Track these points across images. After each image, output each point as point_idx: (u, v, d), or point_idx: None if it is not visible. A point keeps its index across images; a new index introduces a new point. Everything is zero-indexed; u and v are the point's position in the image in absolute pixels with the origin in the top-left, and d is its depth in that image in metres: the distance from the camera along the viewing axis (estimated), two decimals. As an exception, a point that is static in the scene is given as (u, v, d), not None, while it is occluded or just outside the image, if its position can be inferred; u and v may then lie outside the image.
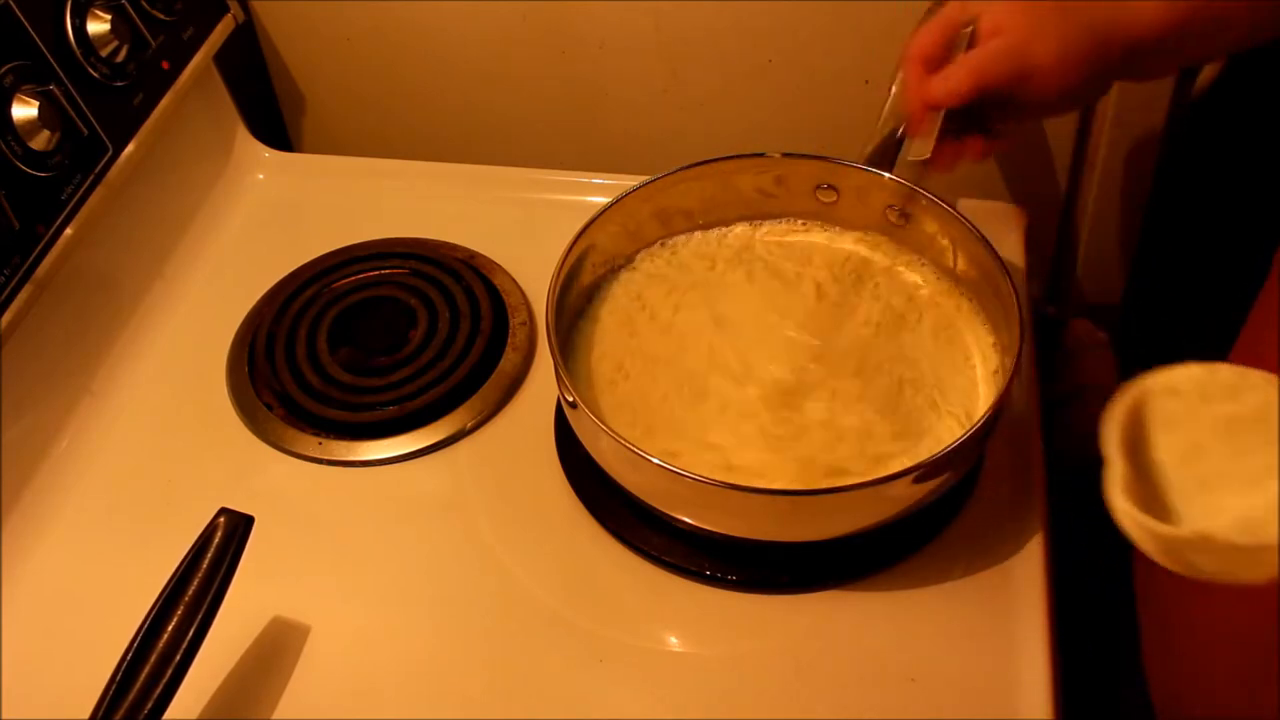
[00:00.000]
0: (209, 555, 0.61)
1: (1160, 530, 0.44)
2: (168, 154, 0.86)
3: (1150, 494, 0.46)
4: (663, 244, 0.80)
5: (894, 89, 0.74)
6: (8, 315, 0.69)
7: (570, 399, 0.66)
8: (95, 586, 0.71)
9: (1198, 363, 0.47)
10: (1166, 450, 0.46)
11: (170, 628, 0.59)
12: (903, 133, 0.72)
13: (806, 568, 0.67)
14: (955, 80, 0.66)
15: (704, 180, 0.77)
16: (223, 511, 0.63)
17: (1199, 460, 0.46)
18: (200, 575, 0.60)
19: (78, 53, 0.75)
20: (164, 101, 0.82)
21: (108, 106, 0.77)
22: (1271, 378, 0.46)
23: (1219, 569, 0.44)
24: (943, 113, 0.68)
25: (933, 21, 0.69)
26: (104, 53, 0.76)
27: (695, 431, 0.70)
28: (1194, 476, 0.46)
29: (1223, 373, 0.46)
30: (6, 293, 0.69)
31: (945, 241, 0.75)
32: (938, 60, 0.68)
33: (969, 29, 0.68)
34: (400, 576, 0.70)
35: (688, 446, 0.69)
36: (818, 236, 0.80)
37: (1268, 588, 0.44)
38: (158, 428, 0.79)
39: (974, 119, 0.69)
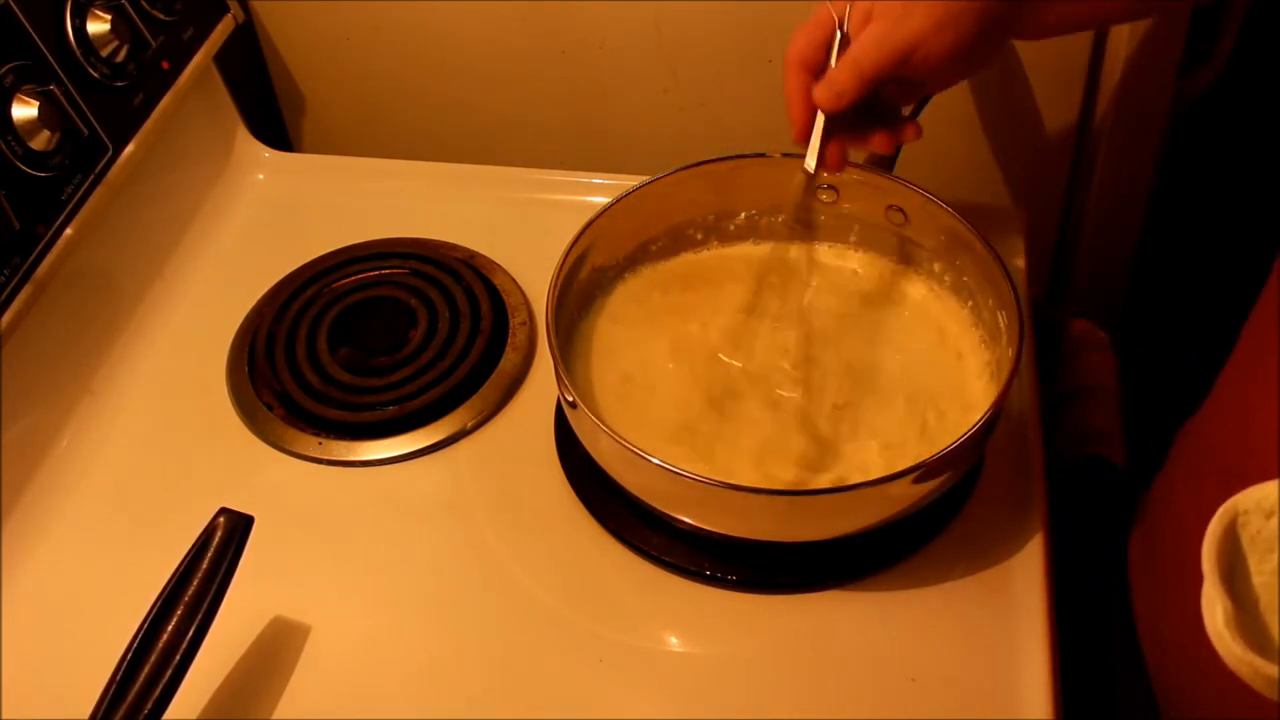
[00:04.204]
0: (209, 555, 0.61)
1: (1270, 671, 0.41)
2: (168, 154, 0.86)
3: (1249, 620, 0.43)
4: (663, 244, 0.80)
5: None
6: (8, 315, 0.69)
7: (570, 399, 0.66)
8: (95, 586, 0.71)
9: None
10: (1263, 574, 0.44)
11: (170, 628, 0.59)
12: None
13: (806, 568, 0.67)
14: (838, 83, 0.66)
15: (704, 180, 0.77)
16: (223, 511, 0.63)
17: None
18: (200, 575, 0.60)
19: (78, 53, 0.75)
20: (164, 101, 0.82)
21: (108, 106, 0.77)
22: None
23: None
24: (822, 118, 0.68)
25: (805, 24, 0.68)
26: (104, 53, 0.76)
27: (693, 431, 0.70)
28: None
29: None
30: (6, 293, 0.69)
31: (945, 242, 0.75)
32: (818, 63, 0.68)
33: (842, 25, 0.67)
34: (400, 576, 0.70)
35: (686, 446, 0.69)
36: (817, 237, 0.80)
37: None
38: (158, 428, 0.79)
39: (875, 110, 0.69)
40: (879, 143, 0.70)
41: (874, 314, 0.76)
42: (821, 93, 0.67)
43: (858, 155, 0.73)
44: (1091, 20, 0.76)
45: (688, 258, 0.80)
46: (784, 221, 0.75)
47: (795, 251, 0.79)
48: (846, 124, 0.69)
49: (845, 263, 0.79)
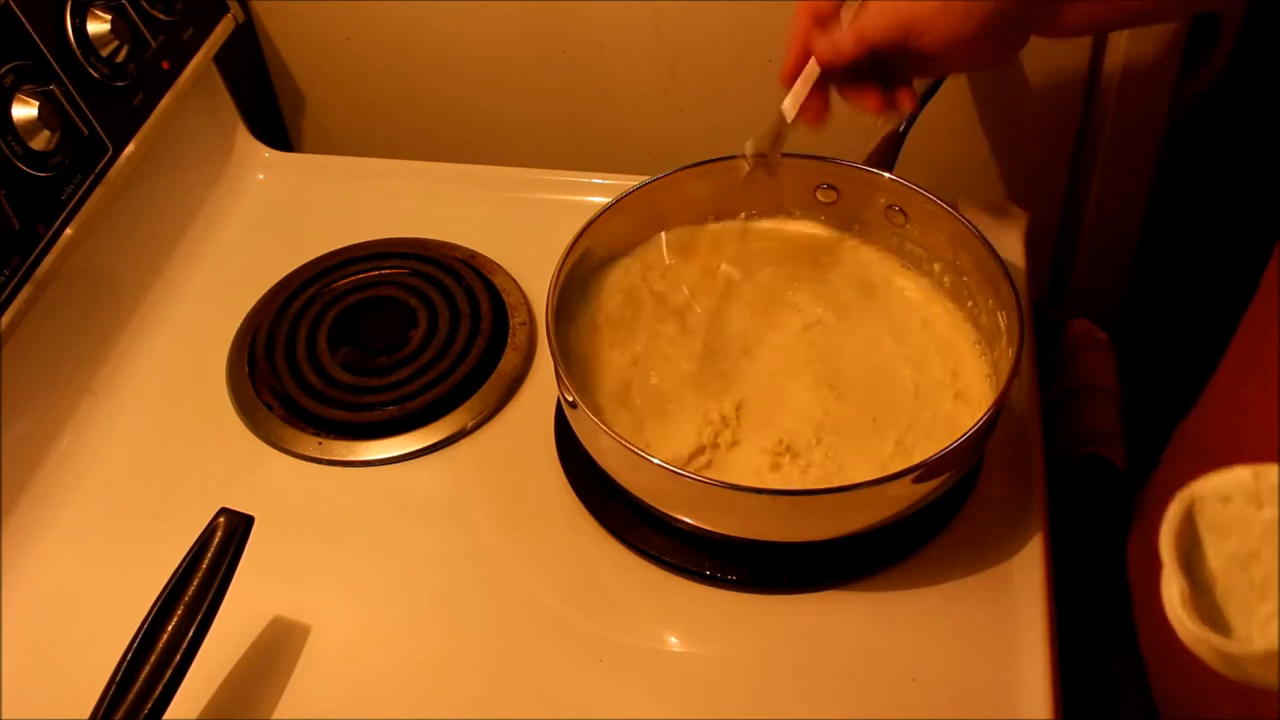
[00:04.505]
0: (209, 555, 0.61)
1: (1225, 647, 0.43)
2: (168, 154, 0.86)
3: (1210, 604, 0.44)
4: (663, 244, 0.80)
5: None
6: (8, 315, 0.69)
7: (570, 399, 0.66)
8: (95, 586, 0.71)
9: (1245, 466, 0.45)
10: (1219, 558, 0.45)
11: (170, 628, 0.59)
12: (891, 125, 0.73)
13: (806, 568, 0.67)
14: (840, 40, 0.67)
15: (704, 180, 0.77)
16: (223, 511, 0.63)
17: (1253, 566, 0.44)
18: (200, 575, 0.60)
19: (78, 53, 0.75)
20: (164, 101, 0.82)
21: (108, 106, 0.77)
22: None
23: None
24: (816, 69, 0.68)
25: None
26: (104, 53, 0.76)
27: (695, 432, 0.70)
28: (1249, 584, 0.44)
29: (1270, 475, 0.45)
30: (6, 293, 0.69)
31: (945, 242, 0.75)
32: (827, 13, 0.68)
33: None
34: (400, 576, 0.70)
35: (687, 447, 0.69)
36: (817, 238, 0.80)
37: None
38: (158, 428, 0.79)
39: (880, 72, 0.69)
40: (872, 100, 0.70)
41: (875, 311, 0.76)
42: (821, 45, 0.68)
43: (867, 127, 0.73)
44: (1112, 22, 0.76)
45: (688, 256, 0.79)
46: (746, 156, 0.74)
47: (797, 248, 0.79)
48: (846, 77, 0.69)
49: (845, 260, 0.79)
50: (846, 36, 0.67)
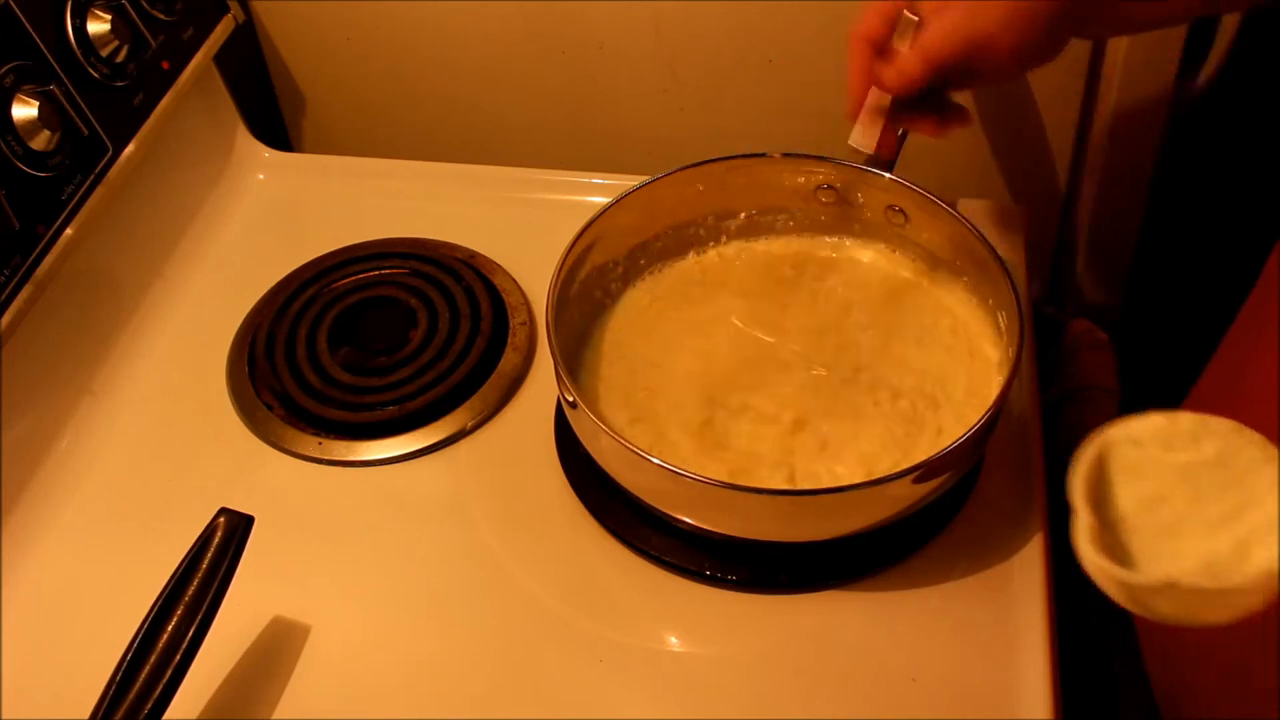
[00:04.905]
0: (209, 555, 0.61)
1: (1127, 578, 0.45)
2: (168, 154, 0.86)
3: (1116, 542, 0.47)
4: (663, 245, 0.80)
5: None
6: (8, 315, 0.69)
7: (570, 399, 0.66)
8: (95, 586, 0.71)
9: (1159, 411, 0.47)
10: (1129, 499, 0.47)
11: (170, 628, 0.59)
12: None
13: (806, 568, 0.67)
14: (908, 66, 0.66)
15: (704, 180, 0.77)
16: (223, 511, 0.63)
17: (1161, 508, 0.47)
18: (200, 575, 0.60)
19: (78, 53, 0.75)
20: (164, 101, 0.82)
21: (108, 106, 0.77)
22: (1230, 423, 0.46)
23: (1183, 613, 0.45)
24: (890, 100, 0.68)
25: (877, 3, 0.68)
26: (104, 53, 0.76)
27: (700, 435, 0.70)
28: (1157, 524, 0.47)
29: (1183, 421, 0.47)
30: (6, 293, 0.69)
31: (945, 242, 0.75)
32: (883, 39, 0.68)
33: (915, 16, 0.67)
34: (400, 576, 0.70)
35: (692, 450, 0.69)
36: (819, 238, 0.80)
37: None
38: (158, 428, 0.79)
39: (928, 95, 0.69)
40: (928, 125, 0.70)
41: (879, 312, 0.76)
42: (888, 74, 0.67)
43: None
44: (1148, 25, 0.75)
45: (689, 257, 0.80)
46: (820, 190, 0.74)
47: (799, 248, 0.79)
48: (905, 103, 0.69)
49: (848, 261, 0.79)
50: (912, 61, 0.65)
